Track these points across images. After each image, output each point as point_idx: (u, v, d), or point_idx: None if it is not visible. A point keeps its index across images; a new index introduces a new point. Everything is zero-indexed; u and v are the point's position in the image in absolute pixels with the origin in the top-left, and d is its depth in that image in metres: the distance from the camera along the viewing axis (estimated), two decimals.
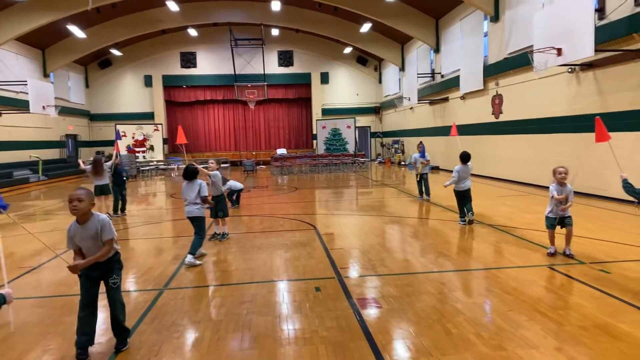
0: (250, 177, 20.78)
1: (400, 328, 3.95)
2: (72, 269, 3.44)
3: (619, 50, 9.95)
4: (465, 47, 17.89)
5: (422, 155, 11.80)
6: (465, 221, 8.34)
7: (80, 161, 11.70)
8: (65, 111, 23.64)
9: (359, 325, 4.02)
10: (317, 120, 28.54)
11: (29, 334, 4.07)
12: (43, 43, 22.75)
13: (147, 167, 24.21)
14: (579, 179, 11.35)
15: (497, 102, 15.61)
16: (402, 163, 25.04)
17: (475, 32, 17.16)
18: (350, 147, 26.50)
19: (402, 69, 25.75)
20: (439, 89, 20.57)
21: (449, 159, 19.14)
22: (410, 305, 4.46)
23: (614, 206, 9.78)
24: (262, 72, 28.53)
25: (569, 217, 5.94)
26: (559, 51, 10.19)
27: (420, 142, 12.95)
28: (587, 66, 11.01)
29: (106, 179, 10.27)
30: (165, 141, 28.19)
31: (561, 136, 12.21)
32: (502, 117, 15.36)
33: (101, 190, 10.15)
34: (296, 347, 3.63)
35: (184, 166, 6.70)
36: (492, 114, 15.98)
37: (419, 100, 21.14)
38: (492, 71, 15.68)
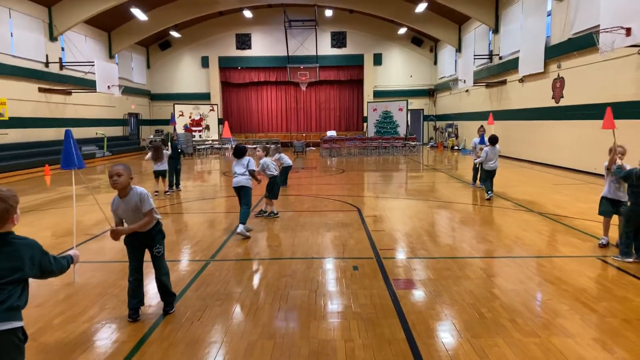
0: (300, 158, 21.07)
1: (433, 309, 3.99)
2: (113, 233, 3.71)
3: None
4: (526, 27, 16.99)
5: (482, 141, 11.40)
6: (491, 195, 9.31)
7: (145, 155, 12.16)
8: (128, 91, 24.89)
9: (392, 304, 4.10)
10: (368, 102, 28.30)
11: (90, 293, 4.48)
12: (109, 25, 23.96)
13: (203, 146, 25.13)
14: None
15: (558, 86, 14.80)
16: (456, 147, 24.40)
17: (538, 12, 16.23)
18: (402, 130, 26.11)
19: (459, 50, 24.88)
20: (496, 72, 19.74)
21: (504, 143, 18.44)
22: (446, 288, 4.48)
23: None
24: (315, 54, 28.54)
25: (625, 204, 5.59)
26: (628, 31, 9.50)
27: (481, 126, 12.52)
28: None
29: (165, 165, 10.63)
30: (220, 121, 29.05)
31: (628, 122, 11.43)
32: (563, 102, 14.56)
33: (159, 174, 10.63)
34: (329, 321, 3.78)
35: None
36: (552, 98, 15.18)
37: (474, 83, 20.42)
38: (554, 53, 14.84)
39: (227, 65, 30.25)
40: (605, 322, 3.68)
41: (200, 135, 27.49)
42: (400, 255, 5.70)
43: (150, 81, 29.93)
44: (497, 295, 4.27)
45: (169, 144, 11.40)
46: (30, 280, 2.39)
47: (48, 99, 19.15)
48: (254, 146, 7.54)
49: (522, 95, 17.41)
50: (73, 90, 20.62)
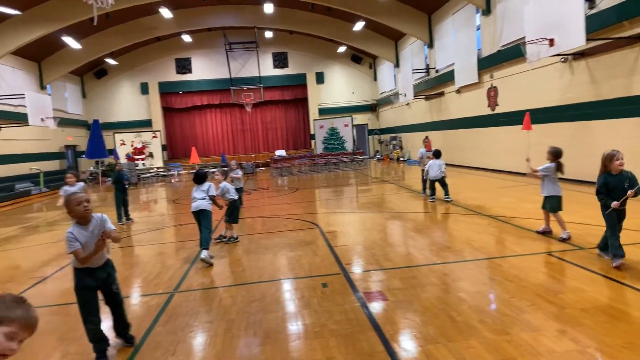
0: (251, 180, 20.90)
1: (406, 318, 4.08)
2: (108, 235, 3.57)
3: (610, 39, 10.08)
4: (458, 41, 18.02)
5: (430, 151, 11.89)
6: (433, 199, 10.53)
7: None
8: (63, 122, 23.72)
9: (366, 317, 4.14)
10: (314, 120, 28.69)
11: (48, 340, 4.19)
12: (39, 55, 22.86)
13: (148, 175, 24.33)
14: (576, 168, 11.50)
15: (493, 95, 15.75)
16: (401, 159, 25.17)
17: (467, 26, 17.29)
18: (349, 146, 26.64)
19: (397, 65, 25.89)
20: (434, 84, 20.70)
21: (447, 152, 19.28)
22: (415, 296, 4.59)
23: None
24: (258, 75, 28.66)
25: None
26: (551, 42, 10.33)
27: (426, 137, 13.06)
28: (579, 55, 11.14)
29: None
30: (164, 148, 28.31)
31: (556, 125, 12.35)
32: (498, 109, 15.50)
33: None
34: (307, 341, 3.76)
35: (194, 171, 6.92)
36: (488, 106, 16.12)
37: (415, 96, 21.28)
38: (486, 64, 15.82)
39: (168, 90, 29.69)
40: (566, 313, 3.92)
41: (144, 164, 26.62)
42: (366, 267, 5.78)
43: (86, 111, 28.72)
44: (463, 299, 4.43)
45: (114, 174, 10.98)
46: None
47: None
48: (211, 170, 7.38)
49: (460, 105, 18.34)
50: (3, 126, 19.37)
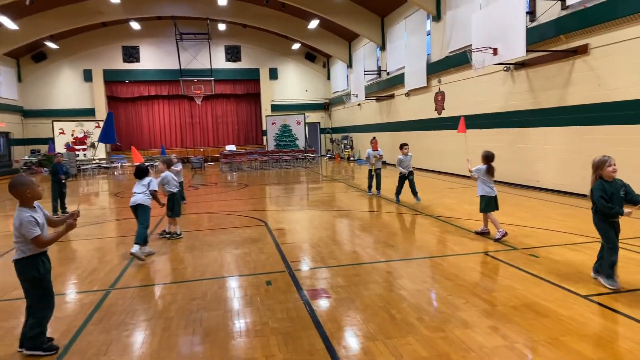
0: (199, 175, 20.43)
1: (348, 316, 4.13)
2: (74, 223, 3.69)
3: (548, 51, 10.69)
4: (409, 45, 18.47)
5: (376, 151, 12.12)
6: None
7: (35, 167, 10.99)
8: None
9: (308, 315, 4.16)
10: (266, 116, 28.46)
11: None
12: None
13: (89, 166, 23.18)
14: (514, 172, 12.13)
15: (440, 99, 16.27)
16: (352, 158, 25.50)
17: (418, 31, 17.76)
18: (301, 143, 26.64)
19: (350, 65, 26.17)
20: (385, 86, 21.11)
21: (395, 154, 19.75)
22: (357, 294, 4.66)
23: (545, 196, 10.54)
24: (209, 67, 28.05)
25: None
26: (495, 51, 10.81)
27: (374, 138, 13.28)
28: (521, 65, 11.74)
29: None
30: None
31: (498, 131, 12.95)
32: (445, 113, 16.04)
33: None
34: (247, 339, 3.72)
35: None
36: (435, 110, 16.64)
37: (366, 97, 21.60)
38: (435, 69, 16.32)
39: (113, 78, 28.42)
40: (497, 310, 4.12)
41: (85, 155, 25.33)
42: (311, 265, 5.80)
43: (22, 96, 26.93)
44: (404, 297, 4.54)
45: (52, 166, 10.37)
46: None
47: None
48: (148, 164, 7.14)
49: (409, 108, 18.82)
50: None
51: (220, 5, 22.68)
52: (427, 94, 17.22)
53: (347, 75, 26.51)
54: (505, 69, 12.36)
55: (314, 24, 23.14)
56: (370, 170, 12.01)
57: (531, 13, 11.35)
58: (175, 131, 30.92)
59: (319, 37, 25.90)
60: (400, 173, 10.58)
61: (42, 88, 27.41)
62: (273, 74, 30.03)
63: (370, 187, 12.08)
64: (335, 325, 3.92)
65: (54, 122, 25.08)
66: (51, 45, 25.69)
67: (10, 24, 20.13)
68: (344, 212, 9.70)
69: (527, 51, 10.14)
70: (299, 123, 27.21)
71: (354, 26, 21.71)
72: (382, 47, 21.52)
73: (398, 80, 19.39)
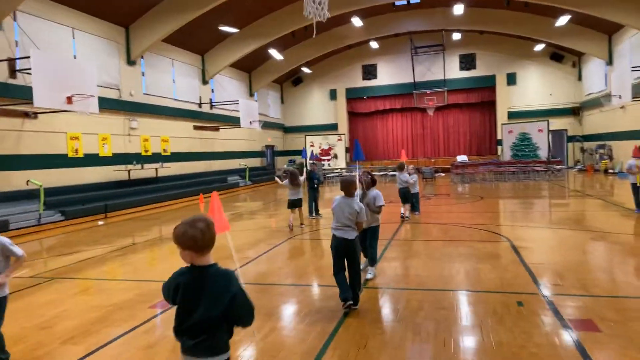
0: (429, 185, 20.55)
1: (625, 356, 3.48)
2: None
3: None
4: None
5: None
6: None
7: (276, 177, 12.87)
8: (265, 125, 27.03)
9: (574, 346, 3.67)
10: (502, 124, 26.72)
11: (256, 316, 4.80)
12: (249, 66, 26.47)
13: (332, 174, 26.00)
14: None
15: None
16: (610, 171, 21.65)
17: None
18: (542, 153, 24.04)
19: (610, 62, 22.32)
20: None
21: None
22: (636, 332, 3.88)
23: None
24: (442, 78, 28.02)
25: None
26: None
27: (638, 145, 11.05)
28: None
29: (300, 194, 10.51)
30: (347, 150, 29.86)
31: None
32: None
33: (293, 204, 10.37)
34: None
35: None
36: None
37: (633, 98, 18.04)
38: None
39: (353, 96, 31.19)
40: None
41: (329, 164, 28.53)
42: (570, 291, 5.12)
43: (284, 115, 32.14)
44: None
45: (307, 173, 11.97)
46: None
47: (200, 135, 21.65)
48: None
49: None
50: (220, 127, 23.03)
51: (455, 14, 22.45)
52: None
53: (606, 74, 22.67)
54: None
55: (563, 20, 20.61)
56: (634, 184, 9.99)
57: None
58: (407, 142, 31.89)
59: (569, 34, 22.91)
60: None
61: (298, 107, 32.13)
62: (511, 79, 28.01)
63: (638, 204, 10.03)
64: None
65: (306, 136, 29.08)
66: (306, 70, 29.91)
67: (278, 56, 24.33)
68: (601, 234, 8.26)
69: None
70: (540, 131, 24.60)
71: (616, 16, 18.44)
72: None
73: None
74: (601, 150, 23.22)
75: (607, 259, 6.70)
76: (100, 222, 12.85)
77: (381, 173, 23.83)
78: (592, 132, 25.30)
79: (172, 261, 6.99)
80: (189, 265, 2.21)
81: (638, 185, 9.96)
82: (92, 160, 15.02)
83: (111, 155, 15.84)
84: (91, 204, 13.55)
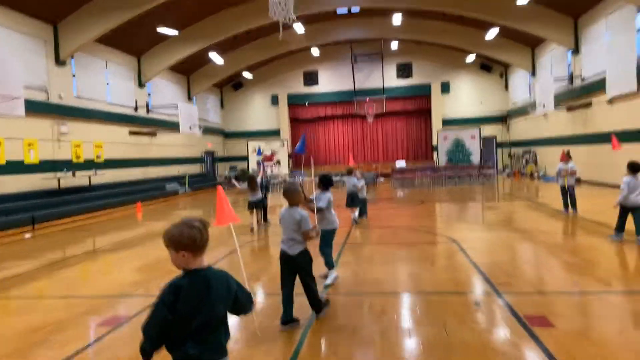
0: (372, 190, 20.95)
1: (580, 347, 3.67)
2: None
3: None
4: (613, 45, 16.14)
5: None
6: (621, 238, 7.51)
7: (233, 181, 12.71)
8: (205, 130, 26.30)
9: (534, 342, 3.83)
10: (437, 131, 27.91)
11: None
12: (188, 70, 25.68)
13: (275, 181, 25.79)
14: None
15: None
16: (535, 174, 23.25)
17: (625, 29, 15.41)
18: (475, 159, 25.38)
19: (533, 73, 24.07)
20: (579, 94, 18.80)
21: (593, 170, 17.37)
22: (587, 326, 4.12)
23: None
24: (381, 86, 28.79)
25: None
26: None
27: (565, 150, 11.94)
28: None
29: (258, 194, 10.80)
30: (290, 156, 29.80)
31: None
32: None
33: (254, 205, 10.68)
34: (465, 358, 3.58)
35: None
36: None
37: (555, 107, 19.53)
38: None
39: (295, 102, 31.22)
40: None
41: (272, 170, 28.29)
42: (520, 289, 5.36)
43: (224, 120, 31.48)
44: None
45: (263, 181, 11.74)
46: None
47: (137, 140, 20.62)
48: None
49: (613, 117, 16.37)
50: (158, 132, 22.09)
51: (394, 24, 23.18)
52: (637, 100, 14.76)
53: (530, 84, 24.41)
54: None
55: (492, 33, 21.96)
56: (562, 187, 10.83)
57: None
58: (348, 148, 32.41)
59: (497, 46, 24.44)
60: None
61: (239, 112, 31.62)
62: (445, 88, 29.38)
63: (566, 205, 10.85)
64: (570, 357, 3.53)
65: (248, 142, 28.67)
66: (247, 75, 29.53)
67: (218, 59, 23.80)
68: (539, 233, 8.81)
69: None
70: (473, 137, 25.98)
71: (540, 30, 19.94)
72: (575, 51, 19.27)
73: (596, 86, 17.06)
74: (527, 156, 24.91)
75: (548, 256, 7.12)
76: (27, 235, 11.80)
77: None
78: (518, 139, 27.09)
79: (112, 274, 6.52)
80: (182, 271, 2.19)
81: (565, 187, 10.78)
82: (15, 167, 13.79)
83: (38, 162, 14.64)
84: (16, 215, 12.43)
